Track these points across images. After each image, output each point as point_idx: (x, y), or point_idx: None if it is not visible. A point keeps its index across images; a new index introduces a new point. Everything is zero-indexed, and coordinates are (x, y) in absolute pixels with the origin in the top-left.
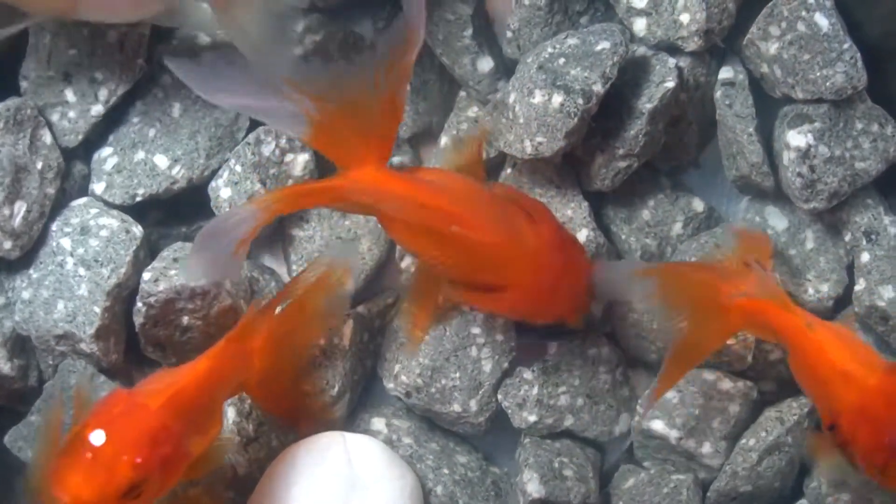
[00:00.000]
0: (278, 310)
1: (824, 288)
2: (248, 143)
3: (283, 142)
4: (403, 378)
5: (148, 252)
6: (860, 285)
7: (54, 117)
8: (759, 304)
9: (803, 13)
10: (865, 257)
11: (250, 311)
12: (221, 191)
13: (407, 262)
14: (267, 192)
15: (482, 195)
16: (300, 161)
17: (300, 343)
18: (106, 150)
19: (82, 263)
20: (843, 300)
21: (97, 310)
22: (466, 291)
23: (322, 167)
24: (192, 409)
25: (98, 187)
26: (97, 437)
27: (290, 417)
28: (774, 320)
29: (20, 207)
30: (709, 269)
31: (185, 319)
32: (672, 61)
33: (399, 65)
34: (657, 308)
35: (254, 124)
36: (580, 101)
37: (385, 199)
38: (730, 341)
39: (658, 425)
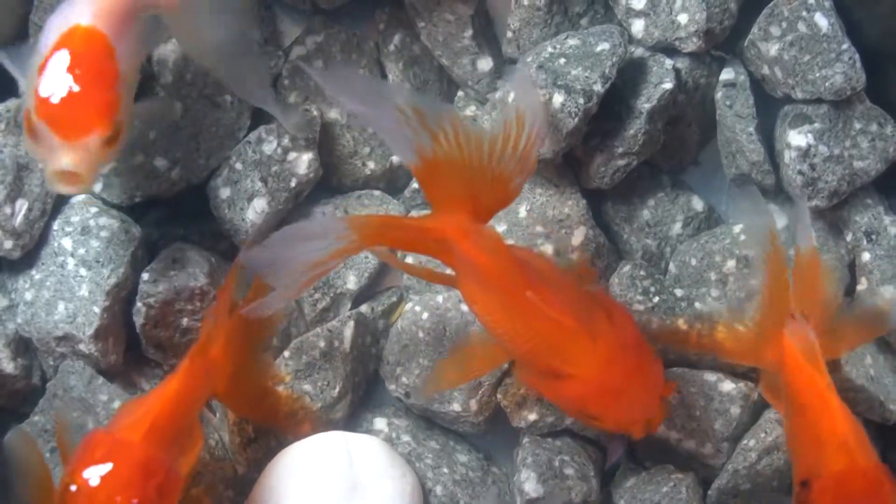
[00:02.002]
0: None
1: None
2: (249, 142)
3: (285, 140)
4: (404, 379)
5: (146, 252)
6: (862, 285)
7: None
8: (793, 352)
9: (804, 13)
10: (866, 257)
11: (207, 321)
12: (220, 190)
13: (410, 261)
14: (354, 215)
15: (564, 279)
16: (304, 159)
17: (257, 339)
18: None
19: (83, 264)
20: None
21: (97, 310)
22: (531, 374)
23: (326, 167)
24: (172, 432)
25: (97, 186)
26: (89, 482)
27: (267, 419)
28: (798, 372)
29: (21, 206)
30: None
31: (185, 321)
32: (669, 62)
33: (525, 152)
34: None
35: (255, 123)
36: (581, 100)
37: (465, 251)
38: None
39: (659, 429)
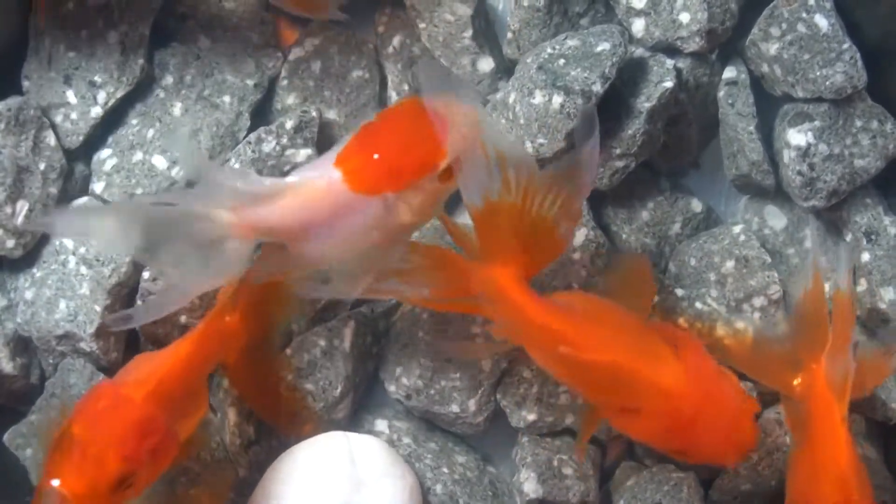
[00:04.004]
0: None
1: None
2: (249, 143)
3: (284, 140)
4: (404, 380)
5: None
6: (861, 286)
7: (58, 118)
8: (820, 382)
9: (803, 14)
10: (866, 257)
11: (226, 290)
12: None
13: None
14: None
15: (620, 316)
16: (301, 154)
17: (276, 316)
18: (105, 152)
19: (84, 262)
20: None
21: (98, 308)
22: (614, 416)
23: None
24: (177, 394)
25: (98, 187)
26: (85, 433)
27: (267, 409)
28: (819, 401)
29: (22, 206)
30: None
31: (183, 318)
32: (670, 62)
33: (569, 205)
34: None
35: (254, 124)
36: (580, 101)
37: (501, 305)
38: (728, 341)
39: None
